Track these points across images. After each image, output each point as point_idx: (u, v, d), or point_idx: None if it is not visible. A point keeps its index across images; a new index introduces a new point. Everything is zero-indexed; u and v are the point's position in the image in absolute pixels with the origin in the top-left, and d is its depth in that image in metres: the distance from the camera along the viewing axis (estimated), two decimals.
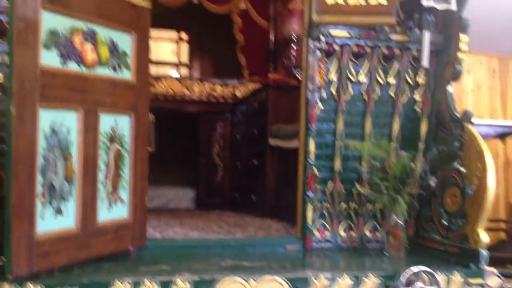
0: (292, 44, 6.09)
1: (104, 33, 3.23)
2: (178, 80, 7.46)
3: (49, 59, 2.90)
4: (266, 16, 7.51)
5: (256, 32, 7.60)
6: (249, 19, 7.58)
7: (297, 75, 5.85)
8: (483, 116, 6.50)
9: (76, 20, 3.06)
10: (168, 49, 9.06)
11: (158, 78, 7.29)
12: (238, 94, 7.50)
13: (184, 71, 8.98)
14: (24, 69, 2.76)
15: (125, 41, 3.40)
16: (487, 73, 6.74)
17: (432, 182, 3.85)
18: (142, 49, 3.52)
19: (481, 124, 4.94)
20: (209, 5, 7.40)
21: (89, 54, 3.15)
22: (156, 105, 3.67)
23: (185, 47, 9.02)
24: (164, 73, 8.69)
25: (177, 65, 9.08)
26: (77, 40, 3.06)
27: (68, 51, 3.01)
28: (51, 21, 2.90)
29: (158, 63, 8.63)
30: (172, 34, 8.87)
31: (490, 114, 6.70)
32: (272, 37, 7.41)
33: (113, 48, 3.30)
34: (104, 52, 3.25)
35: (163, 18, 6.93)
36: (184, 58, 9.01)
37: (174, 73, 8.96)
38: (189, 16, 8.10)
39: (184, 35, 8.95)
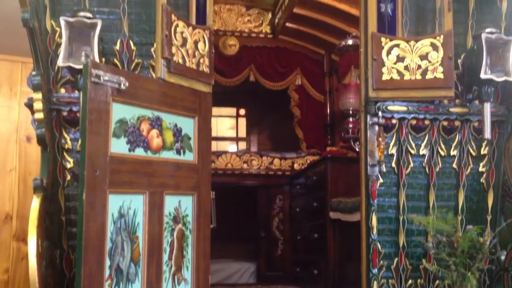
0: (349, 118, 6.14)
1: (168, 119, 3.40)
2: (237, 155, 7.62)
3: (118, 146, 3.07)
4: (321, 91, 7.67)
5: (312, 106, 7.75)
6: (305, 94, 7.76)
7: (355, 148, 5.87)
8: None
9: (143, 109, 3.24)
10: (227, 124, 9.34)
11: (217, 154, 7.47)
12: (296, 166, 7.56)
13: (242, 145, 9.17)
14: (95, 157, 2.92)
15: (188, 125, 3.55)
16: None
17: (503, 256, 3.68)
18: (204, 131, 3.65)
19: None
20: (266, 82, 7.65)
21: (155, 139, 3.31)
22: (216, 180, 3.78)
23: (243, 122, 9.27)
24: (223, 148, 8.92)
25: (236, 139, 9.31)
26: (144, 127, 3.23)
27: (136, 138, 3.17)
28: (120, 111, 3.09)
29: (217, 138, 8.89)
30: (231, 110, 9.17)
31: None
32: (328, 110, 7.53)
33: (177, 132, 3.45)
34: (169, 137, 3.40)
35: (222, 96, 7.22)
36: (242, 132, 9.24)
37: (232, 147, 9.17)
38: (246, 93, 8.38)
39: (242, 111, 9.23)
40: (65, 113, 3.65)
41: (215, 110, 7.87)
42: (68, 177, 3.67)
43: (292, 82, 7.78)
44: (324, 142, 7.47)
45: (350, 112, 6.15)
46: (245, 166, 7.53)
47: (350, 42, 6.16)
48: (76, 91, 3.59)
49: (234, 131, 9.31)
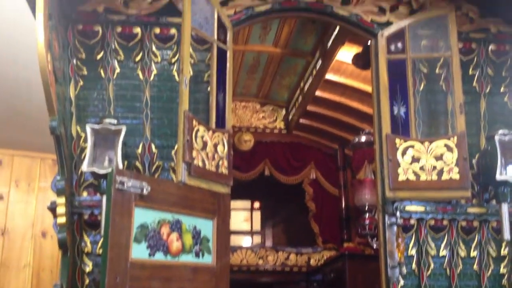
0: (366, 213, 6.14)
1: (188, 221, 3.43)
2: (253, 250, 7.55)
3: (139, 252, 3.09)
4: (336, 184, 7.73)
5: (327, 200, 7.78)
6: (320, 188, 7.82)
7: (372, 244, 5.81)
8: None
9: (164, 212, 3.28)
10: (241, 217, 9.33)
11: (232, 249, 7.41)
12: (313, 262, 7.45)
13: (257, 238, 9.11)
14: (117, 263, 2.94)
15: (207, 227, 3.57)
16: None
17: None
18: (223, 232, 3.67)
19: None
20: (280, 176, 7.75)
21: (174, 243, 3.32)
22: (231, 277, 3.74)
23: (257, 216, 9.26)
24: (238, 241, 8.85)
25: (250, 233, 9.26)
26: (164, 231, 3.26)
27: (156, 243, 3.19)
28: (142, 216, 3.14)
29: (231, 232, 8.84)
30: (245, 203, 9.20)
31: None
32: (343, 204, 7.54)
33: (196, 235, 3.47)
34: (188, 240, 3.41)
35: (237, 189, 7.27)
36: (257, 225, 9.21)
37: (247, 241, 9.10)
38: (261, 187, 8.44)
39: (256, 204, 9.25)
40: (86, 216, 3.70)
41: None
42: (87, 281, 3.65)
43: (307, 176, 7.87)
44: (340, 236, 7.42)
45: (366, 208, 6.16)
46: (260, 262, 7.45)
47: (363, 138, 6.30)
48: (98, 194, 3.66)
49: (249, 223, 9.28)
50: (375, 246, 5.64)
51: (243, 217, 9.37)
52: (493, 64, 4.19)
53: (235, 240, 8.80)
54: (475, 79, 4.16)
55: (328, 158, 7.89)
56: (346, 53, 5.79)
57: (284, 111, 8.03)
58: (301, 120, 7.55)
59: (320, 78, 6.32)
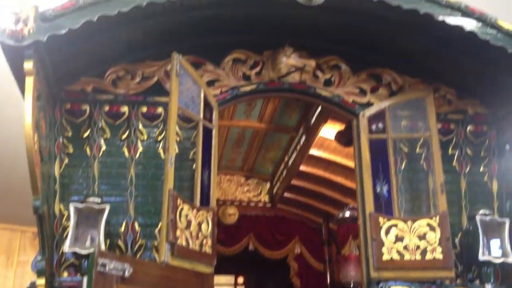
0: None
1: None
2: None
3: None
4: (321, 259, 7.65)
5: (312, 275, 7.68)
6: (305, 263, 7.73)
7: None
8: None
9: None
10: None
11: None
12: None
13: None
14: None
15: None
16: None
17: None
18: None
19: None
20: (265, 251, 7.66)
21: None
22: None
23: None
24: None
25: None
26: None
27: None
28: None
29: None
30: (229, 278, 9.02)
31: None
32: (328, 280, 7.44)
33: None
34: None
35: (220, 263, 7.15)
36: None
37: None
38: (245, 261, 8.32)
39: (240, 279, 9.08)
40: None
41: None
42: None
43: (291, 250, 7.79)
44: None
45: (352, 285, 6.08)
46: None
47: (347, 214, 6.31)
48: (79, 275, 3.58)
49: None
50: None
51: None
52: (472, 144, 4.31)
53: None
54: (455, 158, 4.26)
55: (313, 232, 7.86)
56: (329, 130, 5.91)
57: (268, 185, 8.06)
58: (286, 194, 7.58)
59: (304, 153, 6.41)
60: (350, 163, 6.16)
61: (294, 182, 7.17)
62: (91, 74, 4.00)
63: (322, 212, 7.65)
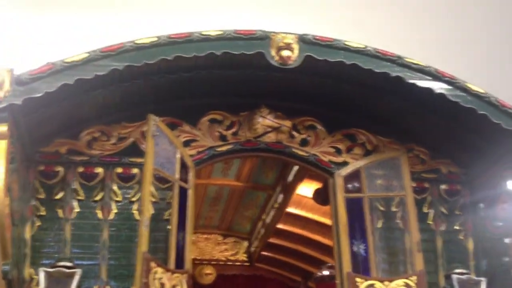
0: None
1: None
2: None
3: None
4: None
5: None
6: None
7: None
8: None
9: None
10: None
11: None
12: None
13: None
14: None
15: None
16: None
17: None
18: None
19: None
20: None
21: None
22: None
23: None
24: None
25: None
26: None
27: None
28: None
29: None
30: None
31: None
32: None
33: None
34: None
35: None
36: None
37: None
38: None
39: None
40: None
41: None
42: None
43: None
44: None
45: None
46: None
47: (326, 272, 6.23)
48: None
49: None
50: None
51: None
52: (446, 203, 4.35)
53: None
54: (430, 217, 4.28)
55: None
56: (307, 188, 5.93)
57: (246, 243, 7.97)
58: (264, 252, 7.49)
59: (281, 211, 6.39)
60: (328, 221, 6.15)
61: (272, 240, 7.11)
62: (66, 135, 3.99)
63: (300, 270, 7.55)
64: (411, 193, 4.13)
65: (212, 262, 7.71)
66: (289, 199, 6.10)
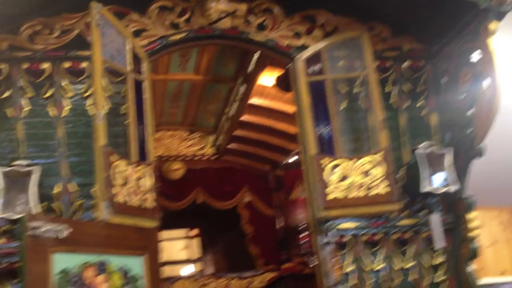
0: (302, 233, 6.12)
1: (115, 261, 3.24)
2: (193, 278, 7.35)
3: None
4: (271, 206, 7.69)
5: (263, 222, 7.73)
6: (255, 211, 7.76)
7: (309, 263, 5.79)
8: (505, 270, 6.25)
9: (88, 254, 3.09)
10: (178, 246, 9.06)
11: (172, 281, 7.18)
12: (256, 285, 7.35)
13: (197, 266, 8.88)
14: None
15: (136, 265, 3.38)
16: (500, 226, 6.63)
17: None
18: (153, 269, 3.49)
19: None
20: (214, 203, 7.62)
21: (102, 286, 3.12)
22: None
23: (196, 243, 9.04)
24: (177, 272, 8.58)
25: (190, 261, 9.00)
26: (90, 274, 3.07)
27: None
28: (63, 262, 2.93)
29: (169, 262, 8.55)
30: (182, 232, 8.95)
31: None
32: (280, 225, 7.51)
33: (125, 274, 3.28)
34: (117, 281, 3.23)
35: (171, 218, 7.09)
36: (196, 254, 8.99)
37: (186, 270, 8.83)
38: (197, 214, 8.26)
39: (194, 232, 9.04)
40: (3, 265, 3.42)
41: (165, 233, 7.70)
42: None
43: (241, 200, 7.79)
44: (280, 257, 7.36)
45: (302, 227, 6.14)
46: None
47: (292, 159, 6.28)
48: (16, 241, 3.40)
49: (187, 252, 9.04)
50: (311, 265, 5.61)
51: (181, 246, 9.12)
52: (408, 80, 4.30)
53: (174, 271, 8.53)
54: (393, 95, 4.25)
55: (261, 180, 7.87)
56: (268, 78, 5.79)
57: (212, 137, 7.95)
58: (231, 145, 7.50)
59: (244, 103, 6.30)
60: (291, 109, 6.12)
61: (238, 132, 7.08)
62: (5, 30, 3.71)
63: (268, 160, 7.64)
64: (374, 72, 4.04)
65: (180, 158, 7.71)
66: (251, 89, 5.98)
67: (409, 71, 4.31)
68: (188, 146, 7.85)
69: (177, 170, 7.55)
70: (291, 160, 6.42)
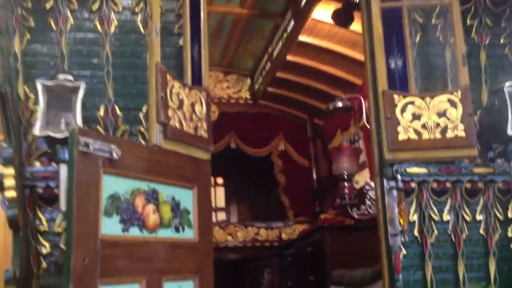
0: (344, 182, 5.78)
1: (165, 191, 2.93)
2: (220, 226, 7.10)
3: (110, 227, 2.57)
4: (306, 156, 7.35)
5: (297, 172, 7.41)
6: (290, 160, 7.43)
7: (353, 215, 5.47)
8: None
9: (138, 180, 2.77)
10: None
11: None
12: (284, 236, 7.09)
13: (221, 216, 8.66)
14: (84, 241, 2.42)
15: (187, 198, 3.08)
16: None
17: None
18: (204, 204, 3.19)
19: None
20: (247, 149, 7.30)
21: (151, 216, 2.82)
22: None
23: (221, 192, 8.80)
24: None
25: (214, 210, 8.79)
26: (139, 202, 2.76)
27: (130, 216, 2.69)
28: (112, 185, 2.62)
29: None
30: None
31: None
32: (315, 176, 7.19)
33: (175, 206, 2.98)
34: (166, 213, 2.92)
35: None
36: (221, 203, 8.76)
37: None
38: (225, 161, 7.94)
39: (220, 180, 8.78)
40: (40, 190, 3.12)
41: None
42: (44, 265, 3.10)
43: (275, 147, 7.46)
44: (312, 209, 7.07)
45: (345, 176, 5.79)
46: (229, 238, 7.01)
47: (339, 104, 5.86)
48: (54, 164, 3.08)
49: (213, 202, 8.82)
50: (356, 216, 5.29)
51: None
52: (492, 14, 3.84)
53: None
54: (474, 30, 3.80)
55: (297, 128, 7.51)
56: (322, 11, 5.32)
57: (249, 81, 7.55)
58: (269, 89, 7.10)
59: (292, 41, 5.87)
60: (343, 49, 5.69)
61: (279, 74, 6.66)
62: None
63: (307, 106, 7.24)
64: (457, 0, 3.59)
65: (214, 100, 7.34)
66: (301, 25, 5.53)
67: (492, 4, 3.83)
68: (224, 89, 7.47)
69: (211, 112, 7.18)
70: (337, 105, 5.98)
